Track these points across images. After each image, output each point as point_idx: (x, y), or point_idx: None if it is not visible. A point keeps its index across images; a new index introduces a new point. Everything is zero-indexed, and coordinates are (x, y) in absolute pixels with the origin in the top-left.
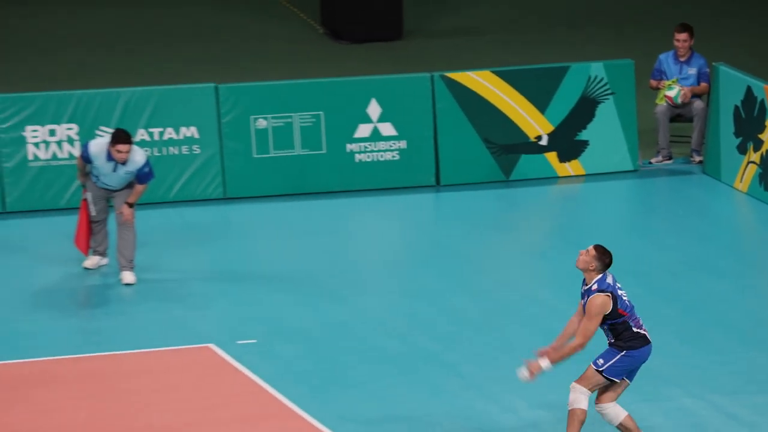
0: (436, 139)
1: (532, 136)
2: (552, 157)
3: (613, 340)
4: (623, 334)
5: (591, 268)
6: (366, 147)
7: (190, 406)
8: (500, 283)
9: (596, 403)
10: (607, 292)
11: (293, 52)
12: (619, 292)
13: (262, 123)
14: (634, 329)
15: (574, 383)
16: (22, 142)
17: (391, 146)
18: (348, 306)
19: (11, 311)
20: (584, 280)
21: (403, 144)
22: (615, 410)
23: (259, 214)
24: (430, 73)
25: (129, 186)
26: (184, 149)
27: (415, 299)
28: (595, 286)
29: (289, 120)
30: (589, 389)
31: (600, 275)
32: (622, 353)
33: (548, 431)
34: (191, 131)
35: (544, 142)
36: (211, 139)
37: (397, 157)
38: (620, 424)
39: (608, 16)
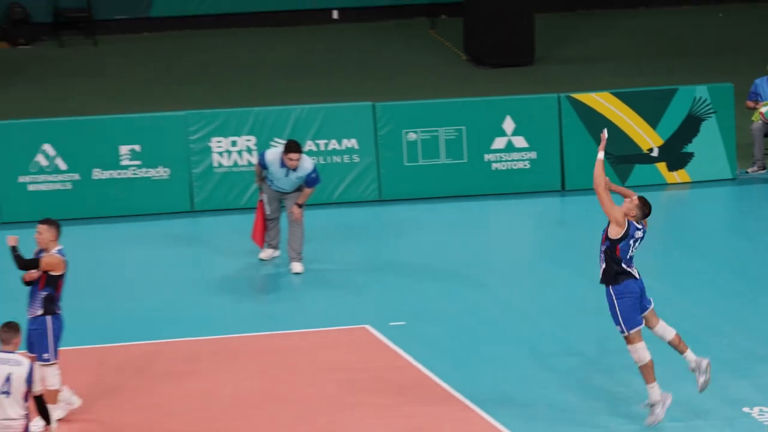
0: (562, 151)
1: (644, 149)
2: (662, 166)
3: (603, 267)
4: (611, 267)
5: (632, 214)
6: (501, 157)
7: (350, 378)
8: None
9: (651, 329)
10: (628, 227)
11: (440, 76)
12: (633, 238)
13: (412, 136)
14: (623, 264)
15: (628, 347)
16: (208, 151)
17: (522, 156)
18: (485, 293)
19: (198, 295)
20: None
21: (533, 155)
22: (662, 331)
23: (409, 214)
24: (558, 93)
25: (299, 189)
26: (346, 158)
27: (543, 288)
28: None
29: (436, 133)
30: (638, 343)
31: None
32: (615, 299)
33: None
34: (352, 143)
35: (655, 153)
36: (368, 150)
37: (528, 166)
38: (670, 341)
39: (711, 46)
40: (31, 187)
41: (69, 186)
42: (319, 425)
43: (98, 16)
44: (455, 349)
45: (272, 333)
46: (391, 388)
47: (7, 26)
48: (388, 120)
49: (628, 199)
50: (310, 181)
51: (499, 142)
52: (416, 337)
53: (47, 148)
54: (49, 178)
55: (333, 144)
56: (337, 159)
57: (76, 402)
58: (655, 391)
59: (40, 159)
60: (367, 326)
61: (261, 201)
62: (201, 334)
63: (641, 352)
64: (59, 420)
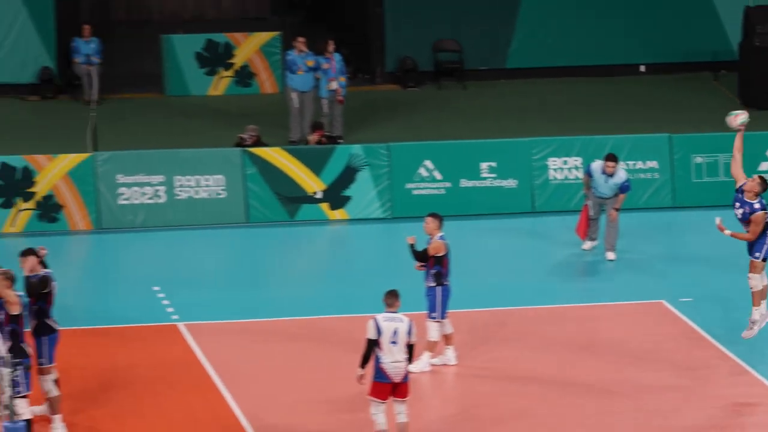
0: None
1: None
2: None
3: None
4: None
5: (755, 191)
6: None
7: (650, 338)
8: None
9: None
10: (765, 209)
11: (720, 115)
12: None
13: (698, 159)
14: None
15: (750, 274)
16: (545, 168)
17: None
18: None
19: (535, 274)
20: (744, 194)
21: None
22: (762, 280)
23: (696, 217)
24: None
25: (615, 196)
26: (648, 175)
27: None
28: (757, 205)
29: (716, 158)
30: (761, 272)
31: (757, 198)
32: (765, 240)
33: None
34: (653, 164)
35: None
36: (665, 169)
37: None
38: (760, 290)
39: None
40: (414, 192)
41: (443, 191)
42: (626, 374)
43: (468, 66)
44: (729, 319)
45: (591, 304)
46: (681, 347)
47: (400, 74)
48: (681, 147)
49: (749, 179)
50: (624, 187)
51: (764, 165)
52: (699, 310)
53: (427, 163)
54: (428, 185)
55: (639, 164)
56: (641, 176)
57: (452, 360)
58: (757, 312)
59: (422, 171)
60: (663, 301)
61: (586, 205)
62: (535, 303)
63: (757, 279)
64: (433, 365)
